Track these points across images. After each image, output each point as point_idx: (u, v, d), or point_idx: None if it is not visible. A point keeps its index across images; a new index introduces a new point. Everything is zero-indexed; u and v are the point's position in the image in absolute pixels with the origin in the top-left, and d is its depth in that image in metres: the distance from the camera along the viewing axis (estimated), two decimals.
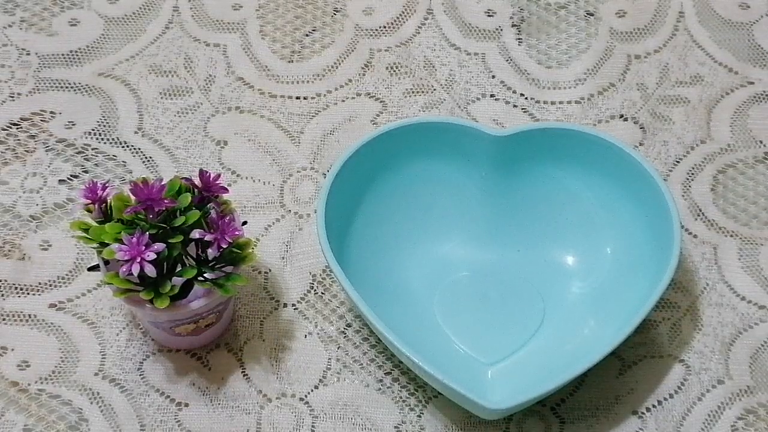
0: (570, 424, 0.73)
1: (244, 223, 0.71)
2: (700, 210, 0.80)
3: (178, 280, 0.69)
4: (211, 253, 0.68)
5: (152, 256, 0.66)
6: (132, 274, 0.66)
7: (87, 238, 0.68)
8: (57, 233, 0.79)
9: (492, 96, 0.85)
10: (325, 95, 0.85)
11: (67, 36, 0.87)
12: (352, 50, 0.87)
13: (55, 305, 0.77)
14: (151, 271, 0.66)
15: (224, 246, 0.68)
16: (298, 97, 0.85)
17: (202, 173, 0.70)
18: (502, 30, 0.87)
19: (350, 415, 0.73)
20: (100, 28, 0.87)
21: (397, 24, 0.88)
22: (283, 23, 0.88)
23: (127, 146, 0.83)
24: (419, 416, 0.73)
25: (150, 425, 0.73)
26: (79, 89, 0.85)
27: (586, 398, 0.73)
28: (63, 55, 0.86)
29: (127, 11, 0.88)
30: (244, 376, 0.75)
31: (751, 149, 0.82)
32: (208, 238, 0.67)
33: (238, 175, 0.82)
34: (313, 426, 0.73)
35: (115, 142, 0.83)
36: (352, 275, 0.71)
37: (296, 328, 0.76)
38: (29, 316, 0.76)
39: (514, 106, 0.84)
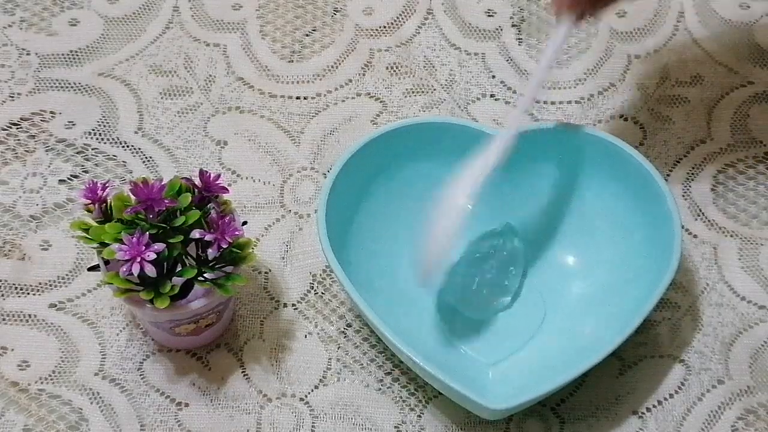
0: (570, 424, 0.73)
1: (244, 223, 0.71)
2: (700, 210, 0.80)
3: (178, 280, 0.69)
4: (211, 253, 0.68)
5: (152, 256, 0.66)
6: (132, 274, 0.66)
7: (87, 238, 0.68)
8: (57, 233, 0.79)
9: (492, 96, 0.85)
10: (325, 95, 0.85)
11: (67, 36, 0.87)
12: (352, 50, 0.87)
13: (55, 305, 0.77)
14: (151, 271, 0.66)
15: (224, 246, 0.68)
16: (298, 97, 0.85)
17: (202, 173, 0.70)
18: (502, 30, 0.87)
19: (350, 415, 0.73)
20: (100, 28, 0.87)
21: (397, 24, 0.88)
22: (283, 23, 0.88)
23: (127, 146, 0.83)
24: (419, 416, 0.73)
25: (150, 425, 0.73)
26: (79, 89, 0.85)
27: (586, 398, 0.73)
28: (63, 55, 0.86)
29: (127, 11, 0.88)
30: (244, 376, 0.75)
31: (751, 149, 0.82)
32: (208, 238, 0.67)
33: (238, 175, 0.82)
34: (313, 426, 0.73)
35: (115, 142, 0.83)
36: (352, 275, 0.71)
37: (296, 328, 0.76)
38: (29, 316, 0.76)
39: (514, 106, 0.84)
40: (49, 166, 0.82)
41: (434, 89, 0.85)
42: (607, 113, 0.84)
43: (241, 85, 0.85)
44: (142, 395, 0.74)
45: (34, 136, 0.83)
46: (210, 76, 0.85)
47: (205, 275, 0.69)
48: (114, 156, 0.82)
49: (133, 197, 0.67)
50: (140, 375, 0.75)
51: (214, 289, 0.69)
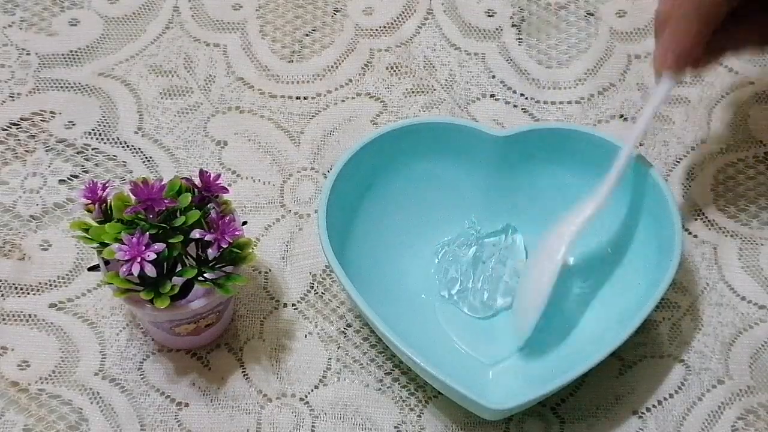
0: (570, 424, 0.73)
1: (244, 223, 0.71)
2: (700, 210, 0.80)
3: (178, 280, 0.69)
4: (211, 253, 0.68)
5: (152, 256, 0.66)
6: (132, 274, 0.66)
7: (87, 238, 0.68)
8: (57, 233, 0.79)
9: (492, 96, 0.85)
10: (325, 95, 0.85)
11: (67, 36, 0.87)
12: (352, 50, 0.87)
13: (55, 305, 0.77)
14: (151, 271, 0.66)
15: (224, 246, 0.68)
16: (298, 97, 0.85)
17: (202, 173, 0.70)
18: (502, 30, 0.87)
19: (350, 415, 0.73)
20: (100, 28, 0.87)
21: (397, 24, 0.88)
22: (283, 23, 0.88)
23: (127, 146, 0.83)
24: (419, 416, 0.73)
25: (150, 425, 0.73)
26: (79, 89, 0.85)
27: (586, 398, 0.73)
28: (63, 55, 0.86)
29: (127, 11, 0.88)
30: (244, 376, 0.75)
31: (751, 149, 0.82)
32: (208, 238, 0.67)
33: (238, 175, 0.82)
34: (313, 426, 0.73)
35: (115, 142, 0.83)
36: (352, 275, 0.71)
37: (296, 328, 0.76)
38: (29, 316, 0.76)
39: (514, 106, 0.84)
40: (49, 166, 0.82)
41: (434, 89, 0.85)
42: (607, 113, 0.84)
43: (241, 85, 0.85)
44: (142, 395, 0.74)
45: (34, 136, 0.83)
46: (210, 76, 0.85)
47: (205, 275, 0.69)
48: (114, 156, 0.82)
49: (133, 197, 0.67)
50: (140, 375, 0.75)
51: (214, 289, 0.69)
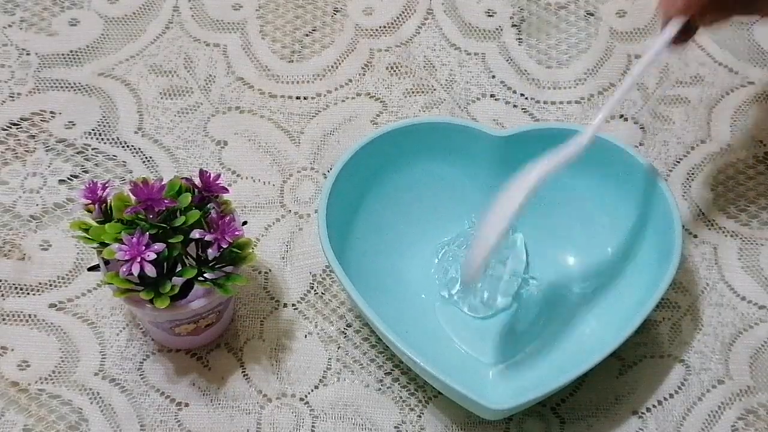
0: (570, 424, 0.73)
1: (244, 223, 0.71)
2: (700, 210, 0.80)
3: (178, 280, 0.69)
4: (211, 253, 0.68)
5: (152, 256, 0.66)
6: (132, 274, 0.66)
7: (87, 238, 0.68)
8: (57, 233, 0.79)
9: (492, 96, 0.85)
10: (325, 95, 0.85)
11: (67, 36, 0.87)
12: (352, 50, 0.87)
13: (55, 305, 0.77)
14: (151, 271, 0.66)
15: (224, 246, 0.68)
16: (298, 97, 0.85)
17: (202, 173, 0.70)
18: (502, 30, 0.87)
19: (350, 415, 0.73)
20: (100, 28, 0.87)
21: (397, 24, 0.88)
22: (283, 23, 0.88)
23: (127, 146, 0.83)
24: (419, 416, 0.73)
25: (150, 425, 0.73)
26: (79, 89, 0.85)
27: (586, 398, 0.73)
28: (63, 55, 0.86)
29: (127, 11, 0.88)
30: (244, 376, 0.75)
31: (751, 149, 0.82)
32: (208, 238, 0.67)
33: (238, 175, 0.82)
34: (313, 426, 0.73)
35: (115, 142, 0.83)
36: (352, 275, 0.71)
37: (296, 328, 0.76)
38: (29, 316, 0.76)
39: (514, 106, 0.84)
40: (49, 166, 0.82)
41: (434, 89, 0.85)
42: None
43: (241, 85, 0.85)
44: (142, 395, 0.74)
45: (34, 136, 0.83)
46: (210, 76, 0.85)
47: (205, 275, 0.69)
48: (114, 156, 0.82)
49: (133, 197, 0.67)
50: (140, 375, 0.75)
51: (214, 289, 0.69)
